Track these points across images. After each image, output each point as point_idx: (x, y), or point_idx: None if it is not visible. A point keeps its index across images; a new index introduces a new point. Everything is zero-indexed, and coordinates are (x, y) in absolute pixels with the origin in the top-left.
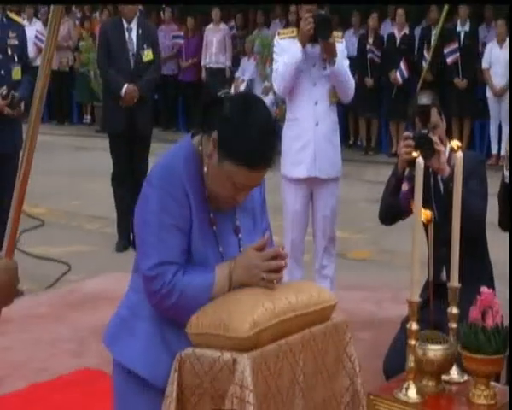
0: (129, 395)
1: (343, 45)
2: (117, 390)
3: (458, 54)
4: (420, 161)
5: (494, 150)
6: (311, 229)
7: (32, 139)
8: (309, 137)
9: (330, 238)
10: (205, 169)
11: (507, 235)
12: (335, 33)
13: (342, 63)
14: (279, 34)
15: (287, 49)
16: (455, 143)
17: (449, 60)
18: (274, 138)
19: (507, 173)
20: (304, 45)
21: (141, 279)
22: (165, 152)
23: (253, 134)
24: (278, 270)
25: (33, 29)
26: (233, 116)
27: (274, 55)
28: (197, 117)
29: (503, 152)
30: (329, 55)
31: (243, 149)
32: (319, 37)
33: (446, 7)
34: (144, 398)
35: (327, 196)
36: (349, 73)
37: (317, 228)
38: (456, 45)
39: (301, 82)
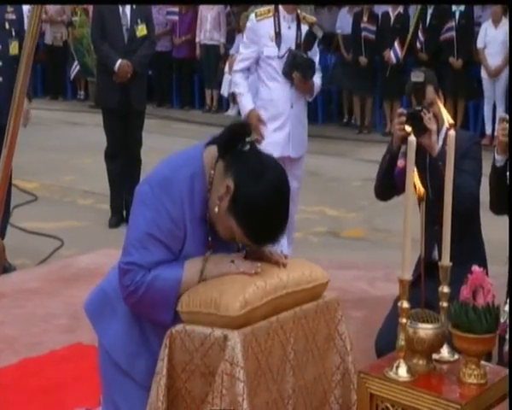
0: (112, 377)
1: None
2: (101, 370)
3: (453, 33)
4: (412, 139)
5: (488, 131)
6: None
7: (17, 114)
8: (285, 118)
9: (294, 205)
10: (216, 209)
11: (500, 215)
12: (309, 17)
13: (319, 86)
14: (256, 15)
15: (261, 36)
16: (448, 120)
17: (442, 37)
18: (283, 223)
19: (498, 157)
20: None
21: None
22: (174, 156)
23: (263, 216)
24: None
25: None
26: (250, 184)
27: (245, 38)
28: (220, 137)
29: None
30: (307, 94)
31: (250, 225)
32: (303, 77)
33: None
34: (127, 380)
35: (295, 170)
36: (319, 81)
37: None
38: (451, 24)
39: (276, 66)
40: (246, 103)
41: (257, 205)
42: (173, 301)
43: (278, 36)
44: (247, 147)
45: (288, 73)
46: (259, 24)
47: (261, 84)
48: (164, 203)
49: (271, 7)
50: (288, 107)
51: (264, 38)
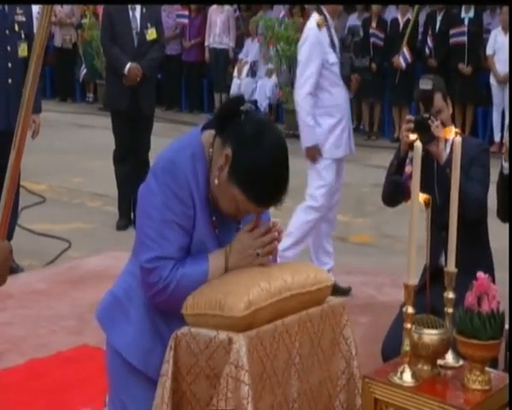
0: (121, 377)
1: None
2: (110, 372)
3: (465, 38)
4: (418, 145)
5: (497, 138)
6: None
7: (26, 117)
8: (346, 119)
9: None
10: (216, 181)
11: (507, 223)
12: (319, 19)
13: None
14: (318, 25)
15: (324, 44)
16: (453, 130)
17: (452, 40)
18: (284, 180)
19: (505, 165)
20: None
21: (138, 267)
22: (173, 142)
23: (264, 174)
24: (272, 242)
25: (36, 6)
26: (248, 145)
27: (308, 51)
28: (215, 115)
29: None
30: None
31: (252, 186)
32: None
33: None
34: (136, 381)
35: (343, 171)
36: None
37: (334, 207)
38: (463, 29)
39: (335, 72)
40: (310, 138)
41: (257, 167)
42: None
43: (332, 42)
44: (242, 117)
45: (348, 77)
46: (321, 32)
47: (321, 92)
48: (169, 185)
49: (322, 15)
50: (348, 109)
51: (326, 46)
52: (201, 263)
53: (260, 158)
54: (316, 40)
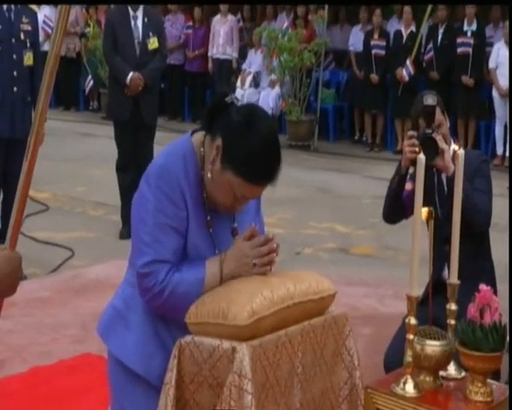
0: (122, 385)
1: None
2: (112, 381)
3: (470, 49)
4: (421, 157)
5: (499, 151)
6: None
7: (39, 130)
8: None
9: None
10: (208, 175)
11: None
12: None
13: None
14: None
15: None
16: (454, 145)
17: (459, 50)
18: (277, 156)
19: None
20: None
21: (135, 274)
22: (164, 148)
23: (256, 151)
24: (269, 253)
25: (41, 14)
26: (238, 129)
27: None
28: (203, 116)
29: (508, 153)
30: None
31: (246, 165)
32: None
33: (429, 8)
34: (137, 388)
35: None
36: None
37: None
38: (469, 40)
39: None
40: None
41: (249, 146)
42: None
43: None
44: (229, 108)
45: None
46: None
47: None
48: (162, 188)
49: None
50: None
51: None
52: (198, 269)
53: (251, 138)
54: None
